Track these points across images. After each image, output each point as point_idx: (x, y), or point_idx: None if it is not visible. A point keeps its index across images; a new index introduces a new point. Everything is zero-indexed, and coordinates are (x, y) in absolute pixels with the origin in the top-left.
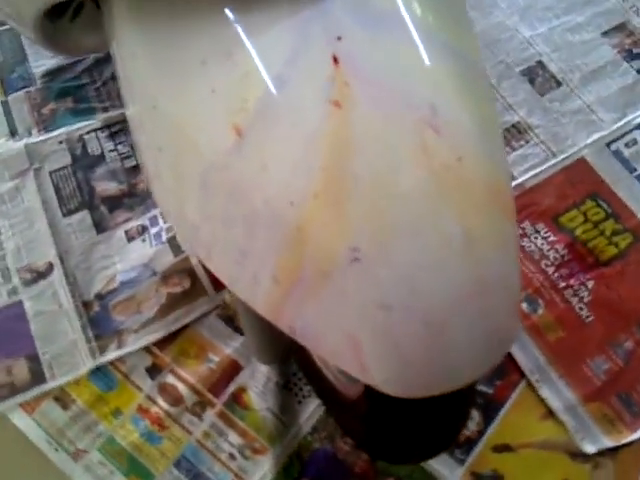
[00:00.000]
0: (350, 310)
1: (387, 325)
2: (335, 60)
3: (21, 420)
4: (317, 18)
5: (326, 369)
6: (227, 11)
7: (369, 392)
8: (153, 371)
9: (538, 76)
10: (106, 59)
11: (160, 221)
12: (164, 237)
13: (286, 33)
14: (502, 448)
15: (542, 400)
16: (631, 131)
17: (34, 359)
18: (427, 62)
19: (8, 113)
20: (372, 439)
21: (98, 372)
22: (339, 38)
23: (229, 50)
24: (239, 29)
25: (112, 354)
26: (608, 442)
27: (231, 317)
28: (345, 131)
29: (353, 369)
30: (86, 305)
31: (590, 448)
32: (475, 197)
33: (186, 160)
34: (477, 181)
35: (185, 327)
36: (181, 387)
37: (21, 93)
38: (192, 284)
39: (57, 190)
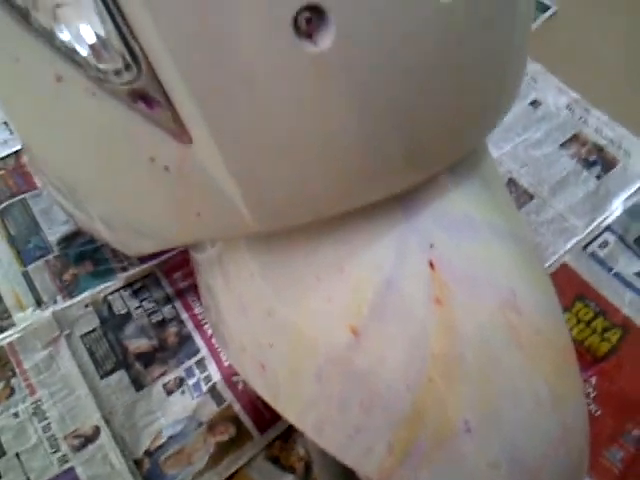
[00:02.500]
0: (463, 472)
1: None
2: (431, 264)
3: None
4: (411, 231)
5: None
6: (336, 234)
7: None
8: None
9: (512, 192)
10: None
11: (196, 371)
12: (204, 388)
13: (388, 246)
14: None
15: None
16: (601, 233)
17: None
18: (502, 254)
19: (30, 283)
20: None
21: None
22: (431, 245)
23: (341, 265)
24: (348, 247)
25: None
26: None
27: (278, 457)
28: (448, 322)
29: None
30: (137, 463)
31: None
32: (553, 360)
33: (301, 355)
34: (552, 347)
35: (236, 472)
36: None
37: (40, 262)
38: (238, 430)
39: (91, 353)
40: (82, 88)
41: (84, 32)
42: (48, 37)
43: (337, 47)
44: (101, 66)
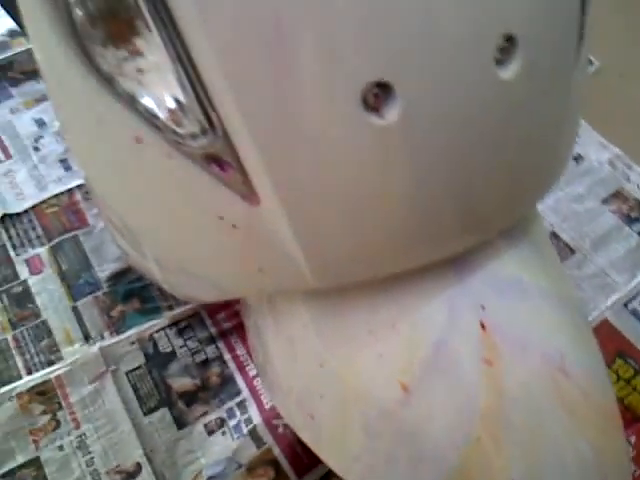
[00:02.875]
0: None
1: None
2: (482, 326)
3: None
4: (463, 291)
5: None
6: (390, 293)
7: None
8: None
9: (554, 246)
10: None
11: (237, 413)
12: (244, 429)
13: (440, 306)
14: None
15: None
16: None
17: None
18: (550, 317)
19: (80, 319)
20: None
21: None
22: (483, 307)
23: (393, 322)
24: (401, 306)
25: None
26: None
27: None
28: (497, 383)
29: None
30: None
31: None
32: (599, 423)
33: (351, 409)
34: (599, 410)
35: None
36: None
37: (89, 298)
38: (276, 474)
39: (135, 390)
40: (159, 150)
41: (164, 98)
42: (130, 101)
43: (402, 121)
44: (179, 130)
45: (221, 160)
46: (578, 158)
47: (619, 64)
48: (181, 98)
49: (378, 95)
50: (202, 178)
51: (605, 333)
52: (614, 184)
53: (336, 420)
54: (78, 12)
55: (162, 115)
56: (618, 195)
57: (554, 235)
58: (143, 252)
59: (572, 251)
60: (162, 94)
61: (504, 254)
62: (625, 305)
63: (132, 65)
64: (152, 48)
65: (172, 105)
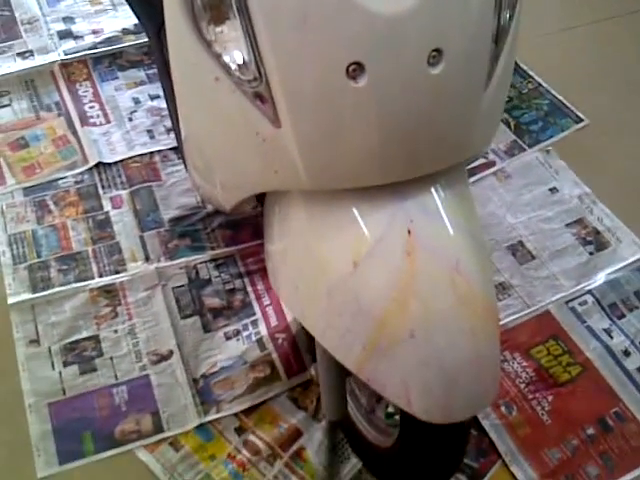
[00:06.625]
0: (405, 365)
1: (425, 376)
2: (409, 231)
3: (145, 456)
4: (400, 208)
5: (365, 430)
6: (357, 202)
7: (404, 427)
8: (240, 430)
9: (518, 251)
10: (213, 214)
11: (250, 328)
12: (253, 338)
13: (384, 215)
14: None
15: (512, 474)
16: (583, 295)
17: (156, 415)
18: (455, 237)
19: (144, 245)
20: (394, 475)
21: (201, 427)
22: (411, 220)
23: (355, 221)
24: (362, 211)
25: (212, 416)
26: None
27: (296, 399)
28: (412, 268)
29: (402, 403)
30: (195, 381)
31: None
32: (478, 309)
33: (320, 278)
34: (479, 299)
35: (264, 402)
36: (259, 443)
37: (154, 232)
38: (271, 372)
39: (177, 300)
40: (228, 87)
41: (236, 57)
42: (217, 57)
43: (368, 85)
44: (242, 76)
45: (263, 97)
46: (553, 190)
47: (605, 125)
48: (246, 58)
49: (355, 69)
50: (250, 107)
51: (546, 320)
52: (579, 214)
53: (310, 287)
54: (197, 2)
55: (233, 67)
56: (580, 222)
57: (521, 244)
58: (213, 180)
59: (533, 257)
60: (235, 55)
61: (433, 192)
62: (566, 303)
63: (222, 36)
64: (234, 27)
65: (240, 61)
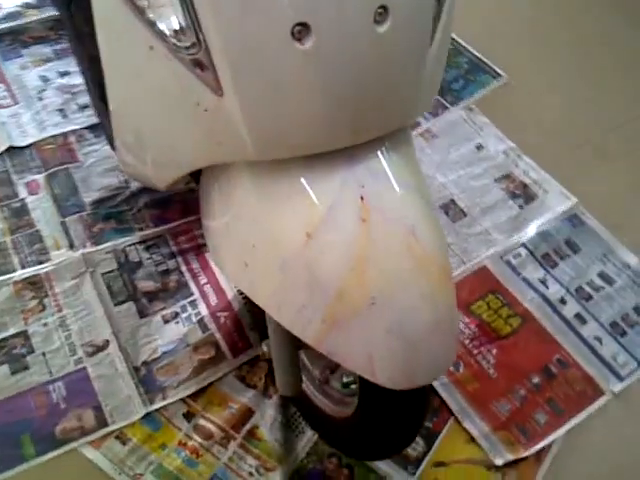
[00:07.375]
0: (368, 335)
1: (389, 343)
2: (361, 197)
3: (91, 453)
4: (351, 174)
5: (320, 402)
6: (305, 170)
7: (363, 396)
8: (188, 416)
9: (451, 209)
10: (139, 193)
11: (189, 309)
12: (194, 319)
13: (335, 182)
14: (439, 464)
15: (465, 430)
16: (516, 248)
17: (98, 409)
18: (407, 201)
19: (67, 231)
20: (355, 444)
21: (148, 417)
22: (363, 186)
23: (304, 190)
24: (310, 179)
25: (158, 404)
26: (511, 457)
27: (244, 377)
28: (368, 234)
29: (366, 373)
30: (136, 369)
31: (499, 462)
32: (435, 272)
33: (272, 252)
34: (435, 263)
35: (211, 384)
36: (210, 426)
37: (76, 216)
38: (216, 352)
39: (108, 287)
40: (163, 54)
41: (172, 23)
42: (151, 25)
43: (315, 47)
44: (178, 43)
45: (202, 64)
46: (479, 147)
47: (522, 79)
48: (183, 23)
49: (301, 31)
50: (189, 75)
51: (483, 275)
52: (505, 168)
53: (262, 263)
54: None
55: (168, 33)
56: (508, 177)
57: (452, 202)
58: (146, 158)
59: (465, 215)
60: (171, 21)
61: (382, 155)
62: (501, 257)
63: (155, 1)
64: None
65: (176, 27)
